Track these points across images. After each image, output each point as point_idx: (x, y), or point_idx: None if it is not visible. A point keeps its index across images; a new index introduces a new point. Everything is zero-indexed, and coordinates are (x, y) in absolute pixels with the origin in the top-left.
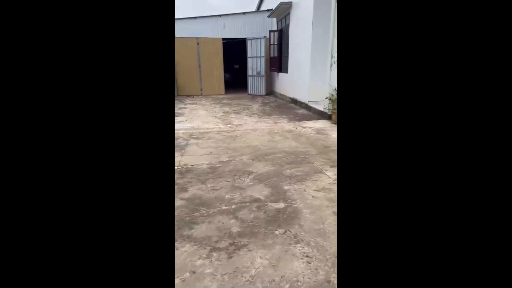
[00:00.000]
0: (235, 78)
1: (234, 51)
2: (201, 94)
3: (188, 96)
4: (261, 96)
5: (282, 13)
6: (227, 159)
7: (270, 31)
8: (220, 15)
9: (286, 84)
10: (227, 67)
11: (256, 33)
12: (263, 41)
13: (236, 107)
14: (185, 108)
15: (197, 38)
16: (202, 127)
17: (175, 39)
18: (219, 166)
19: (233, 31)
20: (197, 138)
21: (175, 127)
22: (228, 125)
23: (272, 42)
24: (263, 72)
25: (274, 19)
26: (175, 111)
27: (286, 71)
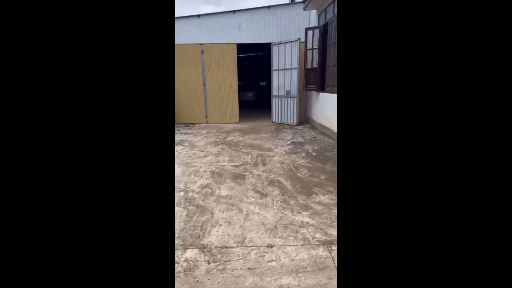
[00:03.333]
0: (261, 98)
1: (260, 64)
2: (206, 123)
3: (188, 125)
4: (290, 126)
5: (326, 0)
6: None
7: (307, 29)
8: (234, 11)
9: (331, 110)
10: (252, 85)
11: (287, 34)
12: (295, 45)
13: (243, 156)
14: None
15: (201, 44)
16: None
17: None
18: None
19: (253, 33)
20: None
21: None
22: (184, 266)
23: (309, 46)
24: (294, 92)
25: (313, 12)
26: None
27: (333, 90)
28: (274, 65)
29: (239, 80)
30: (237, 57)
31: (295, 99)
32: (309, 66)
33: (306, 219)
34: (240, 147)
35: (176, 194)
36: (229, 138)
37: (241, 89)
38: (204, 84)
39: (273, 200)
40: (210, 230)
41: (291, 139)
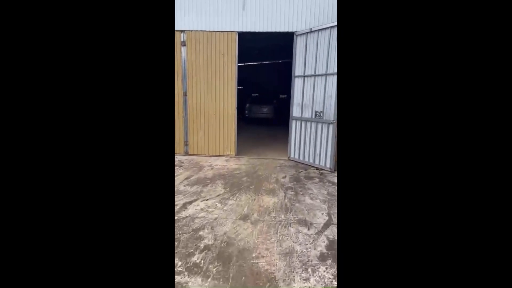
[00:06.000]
0: (280, 115)
1: (282, 70)
2: (186, 153)
3: None
4: (320, 173)
5: None
6: None
7: None
8: None
9: None
10: (270, 97)
11: (322, 19)
12: (333, 32)
13: None
14: None
15: (182, 31)
16: None
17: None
18: None
19: (267, 16)
20: None
21: None
22: None
23: None
24: (330, 113)
25: None
26: None
27: None
28: (297, 69)
29: (255, 91)
30: (253, 63)
31: (331, 126)
32: None
33: None
34: (194, 272)
35: None
36: (192, 209)
37: (255, 102)
38: (185, 95)
39: None
40: None
41: (325, 225)
